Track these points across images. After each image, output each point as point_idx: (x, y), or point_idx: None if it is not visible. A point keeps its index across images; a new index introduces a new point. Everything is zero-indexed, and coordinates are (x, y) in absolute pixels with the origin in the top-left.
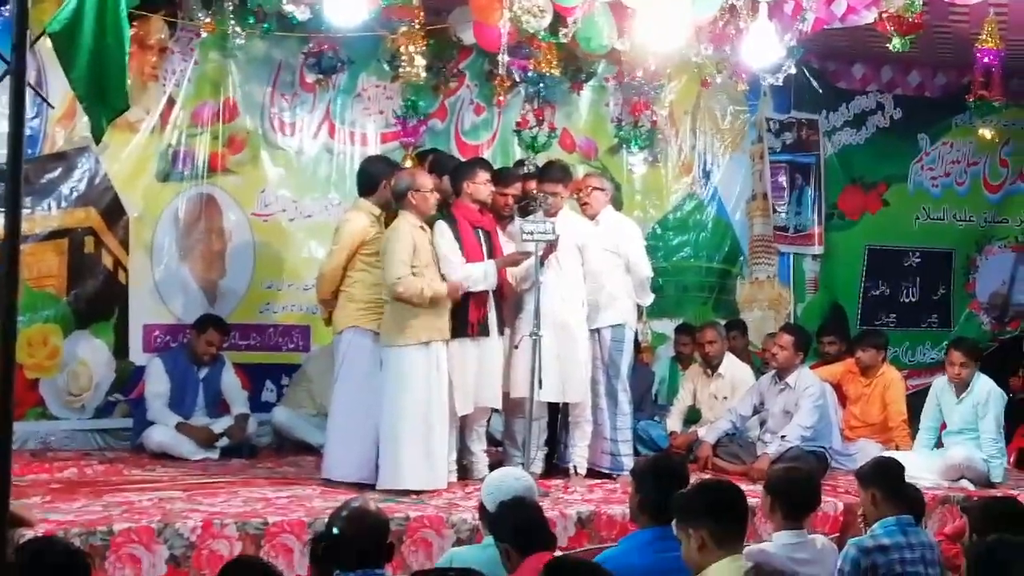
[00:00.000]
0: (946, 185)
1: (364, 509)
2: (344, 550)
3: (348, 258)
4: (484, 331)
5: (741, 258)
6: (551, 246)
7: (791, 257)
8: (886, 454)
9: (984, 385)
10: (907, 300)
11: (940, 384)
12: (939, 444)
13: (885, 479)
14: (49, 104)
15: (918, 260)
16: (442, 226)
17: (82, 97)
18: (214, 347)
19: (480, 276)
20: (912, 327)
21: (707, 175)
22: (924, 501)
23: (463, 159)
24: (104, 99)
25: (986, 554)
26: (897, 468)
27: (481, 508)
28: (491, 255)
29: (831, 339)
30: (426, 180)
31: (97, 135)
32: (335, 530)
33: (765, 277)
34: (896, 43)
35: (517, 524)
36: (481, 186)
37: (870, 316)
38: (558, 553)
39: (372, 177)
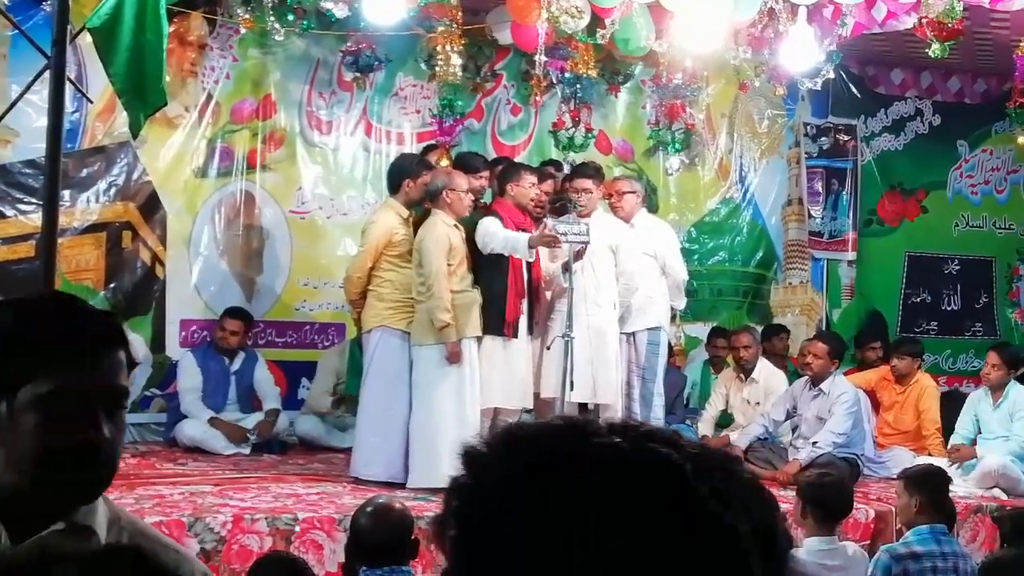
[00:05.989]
0: (985, 192)
1: (388, 505)
2: (367, 546)
3: (374, 259)
4: (515, 332)
5: (776, 263)
6: (580, 251)
7: (825, 263)
8: (920, 461)
9: (1019, 392)
10: (949, 308)
11: (976, 394)
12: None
13: (933, 488)
14: (88, 99)
15: (957, 268)
16: (490, 219)
17: (120, 92)
18: (237, 336)
19: (515, 241)
20: (954, 335)
21: (743, 179)
22: (956, 513)
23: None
24: (142, 95)
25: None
26: (945, 480)
27: None
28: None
29: (874, 345)
30: (461, 180)
31: (135, 130)
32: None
33: (799, 282)
34: (936, 49)
35: None
36: (525, 189)
37: (910, 323)
38: None
39: (395, 176)
